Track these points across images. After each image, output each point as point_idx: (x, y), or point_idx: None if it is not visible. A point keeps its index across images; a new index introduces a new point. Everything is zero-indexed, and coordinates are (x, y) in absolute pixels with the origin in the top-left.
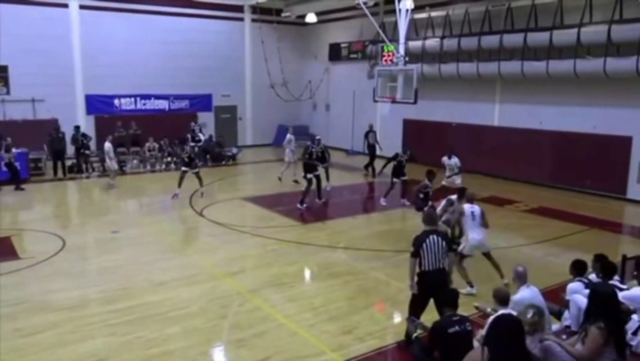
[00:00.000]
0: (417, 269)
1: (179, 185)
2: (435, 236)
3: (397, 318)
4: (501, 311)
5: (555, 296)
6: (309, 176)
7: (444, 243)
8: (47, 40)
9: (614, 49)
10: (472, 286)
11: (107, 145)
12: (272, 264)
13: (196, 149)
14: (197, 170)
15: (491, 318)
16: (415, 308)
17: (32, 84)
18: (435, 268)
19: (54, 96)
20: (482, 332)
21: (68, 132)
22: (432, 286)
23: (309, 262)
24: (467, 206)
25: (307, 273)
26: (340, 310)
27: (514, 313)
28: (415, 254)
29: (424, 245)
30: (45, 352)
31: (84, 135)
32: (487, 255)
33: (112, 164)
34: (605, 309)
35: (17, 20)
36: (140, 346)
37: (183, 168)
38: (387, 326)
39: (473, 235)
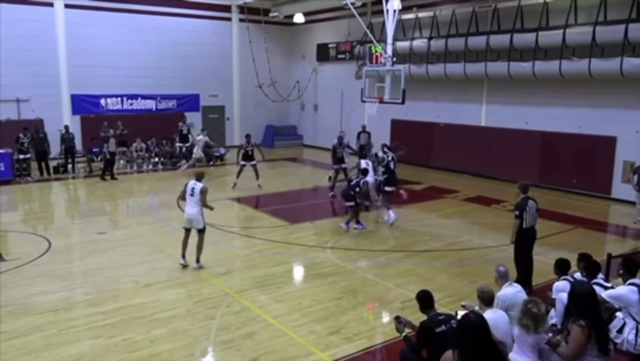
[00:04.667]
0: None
1: (237, 177)
2: (532, 201)
3: (385, 318)
4: (465, 311)
5: (542, 295)
6: (335, 167)
7: (537, 206)
8: (32, 40)
9: (598, 50)
10: (183, 258)
11: (200, 137)
12: (260, 265)
13: (184, 149)
14: (254, 163)
15: (458, 317)
16: (520, 259)
17: (16, 83)
18: (531, 225)
19: (39, 96)
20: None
21: (51, 132)
22: (530, 239)
23: (297, 262)
24: (190, 183)
25: (294, 274)
26: (328, 310)
27: (500, 311)
28: (520, 216)
29: (527, 208)
30: (30, 356)
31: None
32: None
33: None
34: (583, 307)
35: (0, 20)
36: (127, 349)
37: (242, 162)
38: (375, 326)
39: (186, 209)
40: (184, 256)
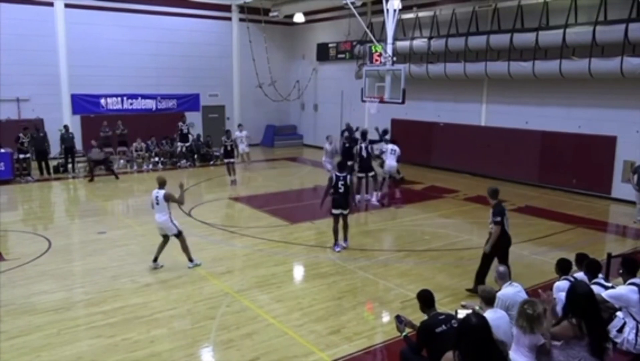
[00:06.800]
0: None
1: (230, 174)
2: (503, 205)
3: (386, 318)
4: (466, 312)
5: (539, 294)
6: (360, 175)
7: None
8: (32, 39)
9: (598, 49)
10: (155, 261)
11: (242, 133)
12: (260, 265)
13: (184, 149)
14: (232, 161)
15: (459, 317)
16: (488, 264)
17: (16, 83)
18: (508, 229)
19: (39, 96)
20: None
21: (51, 132)
22: (509, 243)
23: (297, 262)
24: (153, 192)
25: (294, 273)
26: (328, 310)
27: (500, 311)
28: (501, 221)
29: (506, 213)
30: (30, 355)
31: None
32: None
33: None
34: (580, 309)
35: (0, 19)
36: (126, 349)
37: (225, 160)
38: (375, 325)
39: (155, 217)
40: (155, 260)
